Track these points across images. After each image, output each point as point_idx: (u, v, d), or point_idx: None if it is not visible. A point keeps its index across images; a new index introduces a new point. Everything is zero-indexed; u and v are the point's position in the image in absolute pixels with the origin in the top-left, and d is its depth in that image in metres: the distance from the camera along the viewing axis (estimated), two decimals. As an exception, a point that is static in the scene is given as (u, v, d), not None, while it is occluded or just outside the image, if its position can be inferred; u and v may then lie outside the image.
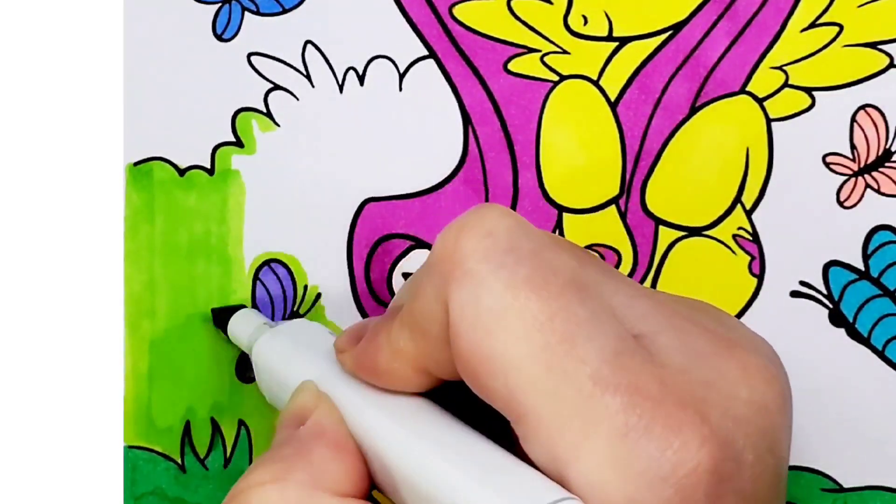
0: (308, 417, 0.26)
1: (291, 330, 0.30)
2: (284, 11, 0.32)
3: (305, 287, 0.33)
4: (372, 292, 0.33)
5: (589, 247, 0.32)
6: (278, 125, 0.32)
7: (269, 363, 0.29)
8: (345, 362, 0.26)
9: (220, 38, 0.32)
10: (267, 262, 0.33)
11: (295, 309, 0.33)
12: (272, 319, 0.33)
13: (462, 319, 0.22)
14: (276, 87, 0.32)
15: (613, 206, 0.32)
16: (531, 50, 0.32)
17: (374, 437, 0.25)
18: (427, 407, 0.25)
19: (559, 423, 0.22)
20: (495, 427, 0.24)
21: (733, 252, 0.32)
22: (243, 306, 0.32)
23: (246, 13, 0.32)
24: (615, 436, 0.21)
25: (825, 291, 0.32)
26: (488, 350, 0.22)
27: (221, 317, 0.32)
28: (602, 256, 0.32)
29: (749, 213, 0.32)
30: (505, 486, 0.22)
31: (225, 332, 0.32)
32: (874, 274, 0.32)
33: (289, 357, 0.29)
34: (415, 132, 0.32)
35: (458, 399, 0.25)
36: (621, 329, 0.23)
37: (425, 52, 0.32)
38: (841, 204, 0.32)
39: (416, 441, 0.24)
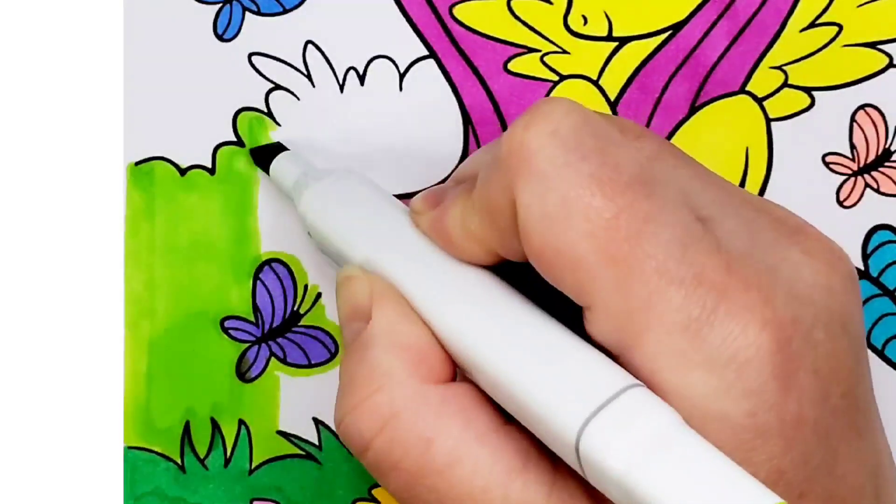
0: (366, 308, 0.26)
1: (338, 188, 0.29)
2: (285, 11, 0.32)
3: (306, 287, 0.33)
4: (372, 292, 0.33)
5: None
6: (279, 125, 0.32)
7: (319, 224, 0.29)
8: (420, 223, 0.27)
9: (220, 38, 0.32)
10: (267, 262, 0.33)
11: (295, 309, 0.33)
12: (272, 318, 0.33)
13: (530, 216, 0.23)
14: (277, 86, 0.32)
15: (613, 206, 0.32)
16: (531, 50, 0.32)
17: (441, 316, 0.25)
18: (493, 283, 0.25)
19: (625, 313, 0.22)
20: (560, 304, 0.24)
21: (733, 252, 0.32)
22: (283, 147, 0.32)
23: (247, 13, 0.32)
24: (678, 327, 0.22)
25: (825, 291, 0.32)
26: (556, 246, 0.23)
27: (261, 156, 0.32)
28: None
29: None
30: (569, 372, 0.23)
31: (266, 171, 0.31)
32: (874, 273, 0.32)
33: (339, 223, 0.28)
34: (415, 132, 0.32)
35: (524, 275, 0.25)
36: (689, 218, 0.23)
37: (425, 52, 0.32)
38: (841, 203, 0.32)
39: (482, 318, 0.25)
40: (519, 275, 0.26)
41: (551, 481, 0.24)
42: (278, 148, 0.32)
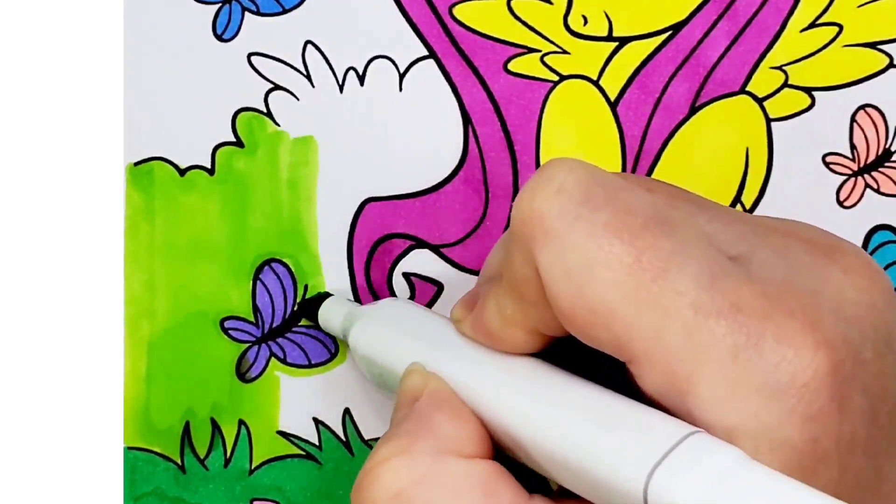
0: (419, 397, 0.26)
1: (384, 313, 0.30)
2: (284, 11, 0.32)
3: (306, 287, 0.33)
4: (372, 292, 0.33)
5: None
6: (279, 125, 0.32)
7: (370, 351, 0.29)
8: (464, 330, 0.27)
9: (220, 38, 0.32)
10: (267, 262, 0.33)
11: (295, 309, 0.33)
12: (272, 318, 0.33)
13: (554, 280, 0.22)
14: (277, 87, 0.32)
15: (613, 206, 0.32)
16: (531, 50, 0.32)
17: (492, 403, 0.25)
18: (539, 366, 0.25)
19: (670, 358, 0.22)
20: (612, 371, 0.24)
21: (733, 252, 0.32)
22: (329, 294, 0.32)
23: (246, 13, 0.32)
24: (726, 359, 0.21)
25: (825, 291, 0.32)
26: (586, 304, 0.22)
27: (308, 308, 0.32)
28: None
29: (749, 213, 0.32)
30: (628, 431, 0.22)
31: (315, 322, 0.32)
32: (874, 273, 0.32)
33: (389, 342, 0.29)
34: (415, 132, 0.32)
35: (572, 351, 0.25)
36: (714, 252, 0.23)
37: (425, 52, 0.32)
38: (841, 204, 0.32)
39: (533, 399, 0.24)
40: (570, 355, 0.25)
41: None
42: (323, 296, 0.32)
